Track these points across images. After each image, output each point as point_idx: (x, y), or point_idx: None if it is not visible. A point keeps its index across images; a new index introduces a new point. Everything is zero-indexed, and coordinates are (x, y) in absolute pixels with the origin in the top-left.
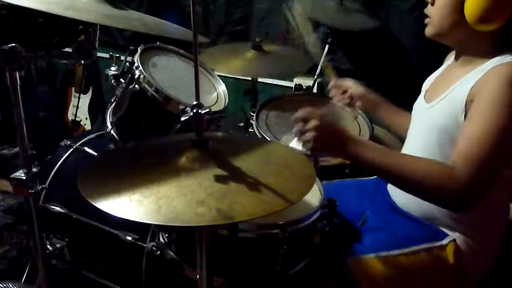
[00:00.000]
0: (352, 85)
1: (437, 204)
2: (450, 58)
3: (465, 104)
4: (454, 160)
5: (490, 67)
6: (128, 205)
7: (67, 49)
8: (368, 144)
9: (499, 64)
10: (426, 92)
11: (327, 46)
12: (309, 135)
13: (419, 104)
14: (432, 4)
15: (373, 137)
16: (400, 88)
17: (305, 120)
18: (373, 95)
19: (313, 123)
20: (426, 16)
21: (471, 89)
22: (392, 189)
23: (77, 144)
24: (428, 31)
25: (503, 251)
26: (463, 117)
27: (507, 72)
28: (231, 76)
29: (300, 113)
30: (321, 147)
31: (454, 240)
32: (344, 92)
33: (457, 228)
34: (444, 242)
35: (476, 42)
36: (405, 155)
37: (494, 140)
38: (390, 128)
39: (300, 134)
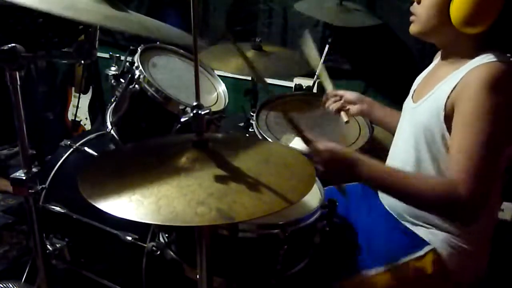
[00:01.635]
0: (346, 92)
1: (447, 218)
2: (438, 58)
3: (445, 103)
4: (454, 177)
5: (470, 67)
6: (128, 205)
7: (67, 49)
8: (375, 165)
9: (477, 66)
10: (414, 91)
11: (327, 46)
12: (321, 168)
13: (407, 103)
14: (419, 2)
15: (373, 138)
16: (400, 88)
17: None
18: (367, 99)
19: (319, 156)
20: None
21: (452, 90)
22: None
23: (77, 144)
24: (413, 29)
25: (495, 252)
26: (443, 116)
27: (485, 75)
28: (231, 76)
29: (309, 150)
30: (334, 177)
31: (433, 249)
32: (339, 98)
33: (446, 227)
34: (422, 252)
35: (461, 43)
36: (411, 175)
37: (486, 149)
38: (386, 129)
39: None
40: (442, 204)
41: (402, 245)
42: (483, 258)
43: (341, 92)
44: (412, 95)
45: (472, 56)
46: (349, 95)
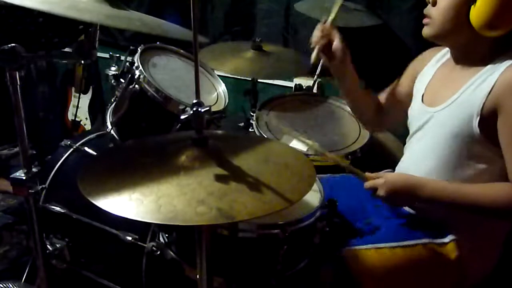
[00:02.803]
0: (337, 40)
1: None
2: (435, 57)
3: (481, 108)
4: None
5: (501, 69)
6: (128, 204)
7: (67, 49)
8: (434, 185)
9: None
10: (423, 95)
11: None
12: (384, 200)
13: (419, 108)
14: (434, 4)
15: (373, 137)
16: None
17: (374, 189)
18: (348, 59)
19: (381, 190)
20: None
21: (488, 94)
22: None
23: (77, 144)
24: (428, 32)
25: (505, 254)
26: (478, 121)
27: None
28: (231, 76)
29: (367, 185)
30: (397, 203)
31: (455, 240)
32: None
33: (459, 228)
34: (446, 240)
35: (478, 45)
36: (474, 186)
37: None
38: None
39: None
40: (505, 206)
41: (423, 229)
42: (493, 260)
43: (333, 35)
44: (422, 99)
45: (490, 58)
46: (337, 45)
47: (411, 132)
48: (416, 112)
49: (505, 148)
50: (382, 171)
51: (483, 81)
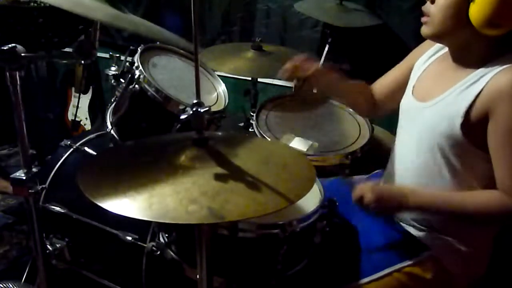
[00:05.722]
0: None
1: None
2: (430, 49)
3: (467, 111)
4: (504, 192)
5: (491, 72)
6: (122, 201)
7: (67, 49)
8: (424, 194)
9: (503, 70)
10: (414, 88)
11: (327, 46)
12: (371, 207)
13: (409, 101)
14: (432, 2)
15: (373, 137)
16: None
17: (361, 197)
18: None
19: (368, 197)
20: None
21: (476, 98)
22: None
23: (77, 144)
24: (426, 31)
25: (496, 253)
26: (460, 123)
27: None
28: (231, 76)
29: (356, 193)
30: (385, 211)
31: (433, 255)
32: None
33: (450, 232)
34: (421, 258)
35: (477, 46)
36: (461, 194)
37: None
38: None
39: (365, 209)
40: (498, 217)
41: (401, 250)
42: (485, 259)
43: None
44: (412, 91)
45: (487, 60)
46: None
47: (400, 122)
48: (406, 104)
49: (494, 154)
50: (374, 172)
51: (472, 84)
